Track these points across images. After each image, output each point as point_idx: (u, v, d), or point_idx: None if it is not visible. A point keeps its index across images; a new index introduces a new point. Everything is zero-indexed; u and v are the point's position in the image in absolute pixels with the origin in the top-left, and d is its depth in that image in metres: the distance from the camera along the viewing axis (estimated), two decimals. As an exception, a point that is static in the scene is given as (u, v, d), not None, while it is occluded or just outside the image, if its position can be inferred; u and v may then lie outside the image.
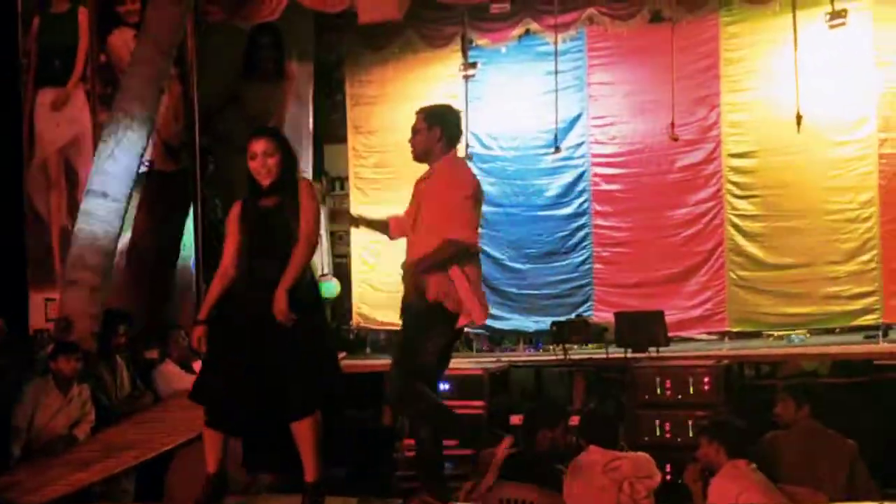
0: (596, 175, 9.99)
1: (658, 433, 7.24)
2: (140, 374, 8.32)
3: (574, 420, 6.17)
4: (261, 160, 4.83)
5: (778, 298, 9.18)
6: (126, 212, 8.58)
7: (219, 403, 4.85)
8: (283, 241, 4.84)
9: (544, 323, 9.21)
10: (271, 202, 4.87)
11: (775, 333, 9.16)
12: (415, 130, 5.33)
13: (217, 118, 9.71)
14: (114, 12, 9.38)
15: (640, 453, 5.77)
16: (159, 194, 9.25)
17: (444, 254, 5.06)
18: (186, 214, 9.22)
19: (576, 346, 8.67)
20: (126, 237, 8.81)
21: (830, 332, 9.01)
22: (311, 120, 10.36)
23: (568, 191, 10.05)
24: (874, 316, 8.88)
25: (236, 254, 4.89)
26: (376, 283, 10.52)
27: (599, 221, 9.93)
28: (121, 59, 9.27)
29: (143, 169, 8.85)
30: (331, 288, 10.18)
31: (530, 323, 9.85)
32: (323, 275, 10.10)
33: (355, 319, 10.55)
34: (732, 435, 5.85)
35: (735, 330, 9.32)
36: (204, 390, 4.89)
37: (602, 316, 9.32)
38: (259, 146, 4.86)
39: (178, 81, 9.39)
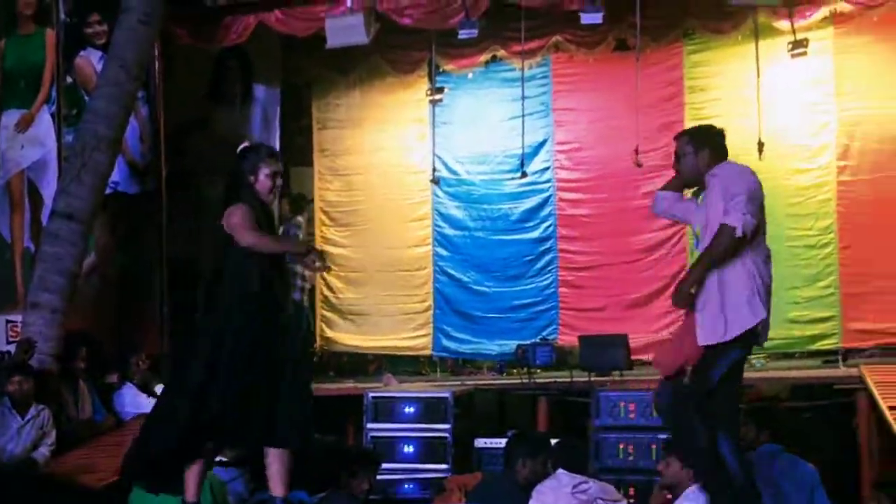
0: (561, 200, 10.05)
1: (621, 456, 7.25)
2: (101, 397, 8.27)
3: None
4: (278, 180, 5.24)
5: None
6: (90, 234, 8.55)
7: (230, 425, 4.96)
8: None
9: (508, 346, 9.24)
10: (268, 214, 5.18)
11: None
12: (680, 154, 5.42)
13: (185, 140, 9.72)
14: (81, 34, 9.37)
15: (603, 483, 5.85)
16: (124, 216, 9.23)
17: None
18: (151, 237, 9.21)
19: (539, 370, 8.69)
20: (90, 259, 8.77)
21: (790, 356, 9.09)
22: (277, 143, 10.37)
23: (533, 215, 10.10)
24: (833, 340, 8.99)
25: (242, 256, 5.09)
26: (341, 307, 10.54)
27: (565, 246, 9.98)
28: (87, 81, 9.26)
29: (108, 190, 8.82)
30: None
31: (494, 346, 9.87)
32: None
33: (319, 343, 10.52)
34: (695, 452, 5.91)
35: None
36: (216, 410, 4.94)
37: (567, 339, 9.37)
38: (278, 167, 5.27)
39: (145, 103, 9.39)
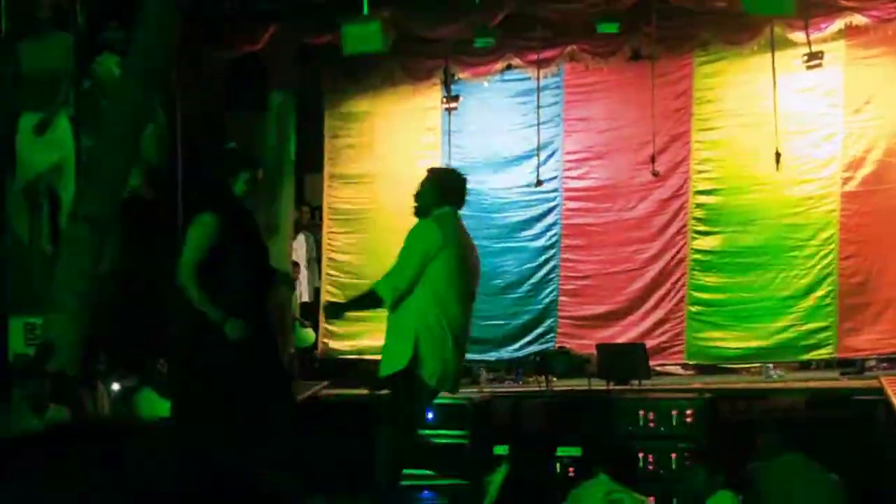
0: (567, 209, 10.09)
1: (641, 464, 7.29)
2: (120, 400, 8.28)
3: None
4: (253, 187, 5.17)
5: (734, 332, 9.32)
6: (108, 237, 8.55)
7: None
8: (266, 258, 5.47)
9: (506, 353, 9.34)
10: (249, 221, 5.20)
11: (752, 370, 9.27)
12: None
13: (201, 147, 9.73)
14: (99, 38, 9.38)
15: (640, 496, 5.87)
16: (141, 221, 9.23)
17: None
18: (168, 241, 9.20)
19: (555, 378, 8.72)
20: (108, 263, 8.76)
21: (806, 367, 9.12)
22: (292, 150, 10.39)
23: (539, 223, 10.13)
24: (828, 350, 9.03)
25: (222, 262, 5.09)
26: (347, 315, 10.51)
27: (568, 255, 10.03)
28: (105, 86, 9.25)
29: (125, 195, 8.82)
30: (306, 337, 10.18)
31: (493, 353, 9.85)
32: (295, 318, 10.05)
33: (320, 348, 10.51)
34: (721, 458, 5.98)
35: (691, 363, 9.44)
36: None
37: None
38: (257, 175, 5.17)
39: (162, 109, 9.39)
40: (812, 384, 8.35)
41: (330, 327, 10.49)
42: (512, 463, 6.30)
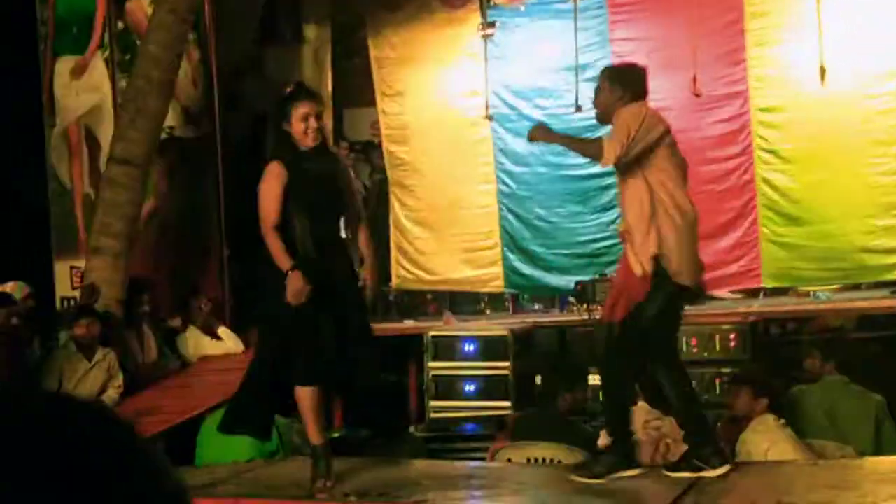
0: (623, 133, 9.84)
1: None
2: (165, 340, 8.38)
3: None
4: (311, 121, 4.80)
5: (812, 253, 9.04)
6: (148, 178, 8.59)
7: (320, 362, 4.85)
8: (342, 206, 5.05)
9: (568, 282, 9.15)
10: (319, 166, 4.86)
11: (800, 290, 9.08)
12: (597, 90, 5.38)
13: (238, 84, 9.69)
14: (130, -21, 9.35)
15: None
16: (181, 160, 9.25)
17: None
18: (208, 180, 9.23)
19: (600, 306, 8.61)
20: (149, 204, 8.83)
21: (857, 287, 8.90)
22: (330, 84, 10.30)
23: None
24: None
25: (285, 213, 4.85)
26: (409, 248, 10.48)
27: (625, 182, 9.81)
28: (138, 26, 9.24)
29: (163, 135, 8.84)
30: None
31: (561, 282, 9.70)
32: None
33: (394, 282, 10.46)
34: (764, 382, 5.88)
35: (770, 286, 9.21)
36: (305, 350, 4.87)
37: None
38: (310, 107, 4.83)
39: (196, 47, 9.36)
40: (859, 304, 8.15)
41: (405, 256, 10.42)
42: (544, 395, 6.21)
